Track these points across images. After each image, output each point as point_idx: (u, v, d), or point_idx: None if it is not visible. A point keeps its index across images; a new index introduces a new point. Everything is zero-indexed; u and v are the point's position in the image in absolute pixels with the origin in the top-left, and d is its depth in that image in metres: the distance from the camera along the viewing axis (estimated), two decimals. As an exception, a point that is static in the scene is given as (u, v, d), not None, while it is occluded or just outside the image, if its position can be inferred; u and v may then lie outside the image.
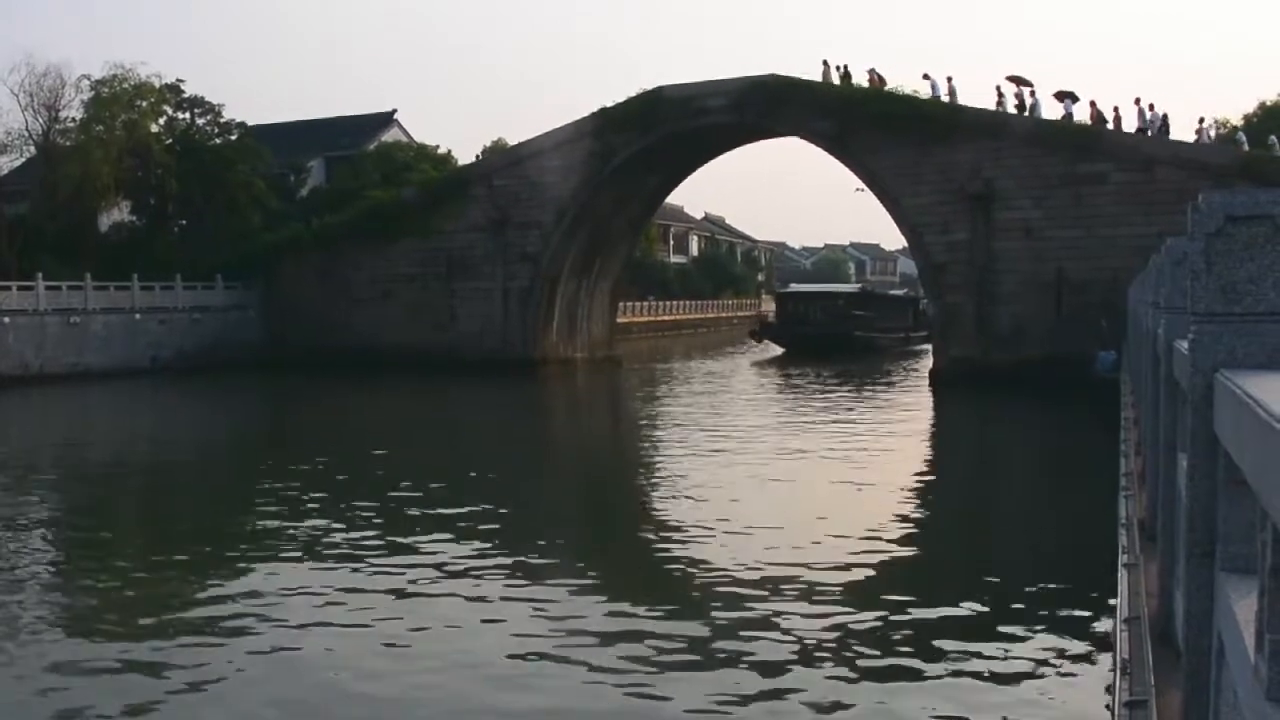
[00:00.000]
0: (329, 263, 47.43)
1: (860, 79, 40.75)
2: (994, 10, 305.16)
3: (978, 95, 38.39)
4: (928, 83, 39.23)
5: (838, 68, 41.23)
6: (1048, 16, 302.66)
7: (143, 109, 50.22)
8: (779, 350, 56.83)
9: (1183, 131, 36.46)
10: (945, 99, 38.78)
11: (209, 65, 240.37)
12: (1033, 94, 38.27)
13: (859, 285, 78.14)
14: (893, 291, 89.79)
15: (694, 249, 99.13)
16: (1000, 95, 38.45)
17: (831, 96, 39.52)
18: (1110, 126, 36.52)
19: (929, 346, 59.12)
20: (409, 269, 46.32)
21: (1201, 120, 36.56)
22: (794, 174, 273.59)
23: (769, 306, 74.62)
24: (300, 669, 9.24)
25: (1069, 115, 37.16)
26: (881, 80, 40.44)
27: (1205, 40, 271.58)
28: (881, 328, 59.81)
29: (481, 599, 11.24)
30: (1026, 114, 37.36)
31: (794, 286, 73.51)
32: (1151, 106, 36.92)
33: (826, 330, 55.46)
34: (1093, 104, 37.39)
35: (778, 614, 10.55)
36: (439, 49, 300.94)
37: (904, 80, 42.00)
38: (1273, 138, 36.72)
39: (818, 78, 40.81)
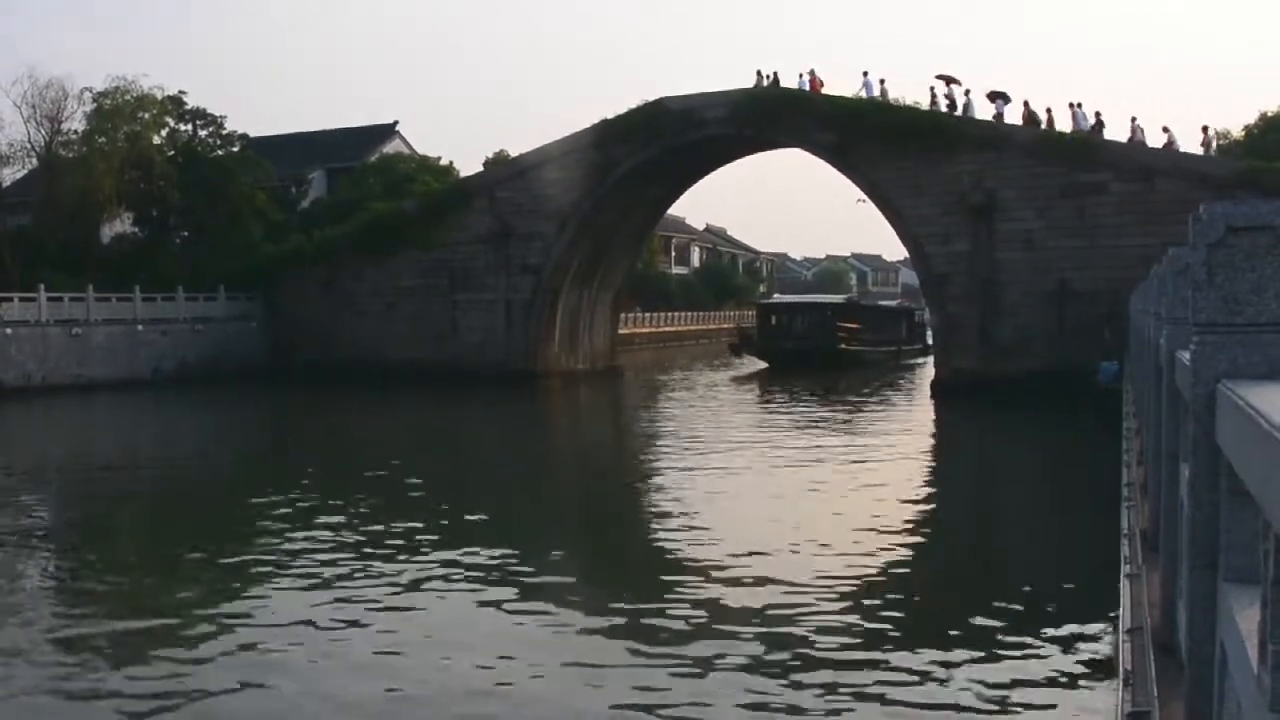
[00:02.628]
0: (331, 275, 47.47)
1: (790, 82, 41.67)
2: (996, 21, 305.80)
3: (913, 95, 39.39)
4: (863, 81, 40.36)
5: (767, 76, 42.13)
6: (1048, 29, 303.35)
7: (145, 121, 50.30)
8: (763, 365, 54.26)
9: (1121, 133, 36.90)
10: (877, 98, 39.69)
11: (211, 77, 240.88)
12: (966, 94, 39.02)
13: (846, 296, 72.79)
14: (884, 302, 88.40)
15: (696, 260, 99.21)
16: (933, 95, 39.11)
17: (832, 108, 39.59)
18: (1044, 127, 37.08)
19: (926, 360, 58.54)
20: (411, 281, 46.34)
21: (1134, 119, 36.72)
22: (796, 185, 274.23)
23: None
24: (299, 680, 9.23)
25: (1000, 116, 37.78)
26: (820, 83, 41.28)
27: (1206, 51, 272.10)
28: (871, 341, 57.20)
29: (482, 611, 11.24)
30: (959, 113, 38.22)
31: (776, 297, 69.53)
32: (1080, 105, 37.40)
33: (809, 344, 52.76)
34: (1026, 104, 38.04)
35: (777, 623, 10.54)
36: (441, 61, 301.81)
37: (847, 85, 42.16)
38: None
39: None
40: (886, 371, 52.77)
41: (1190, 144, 36.27)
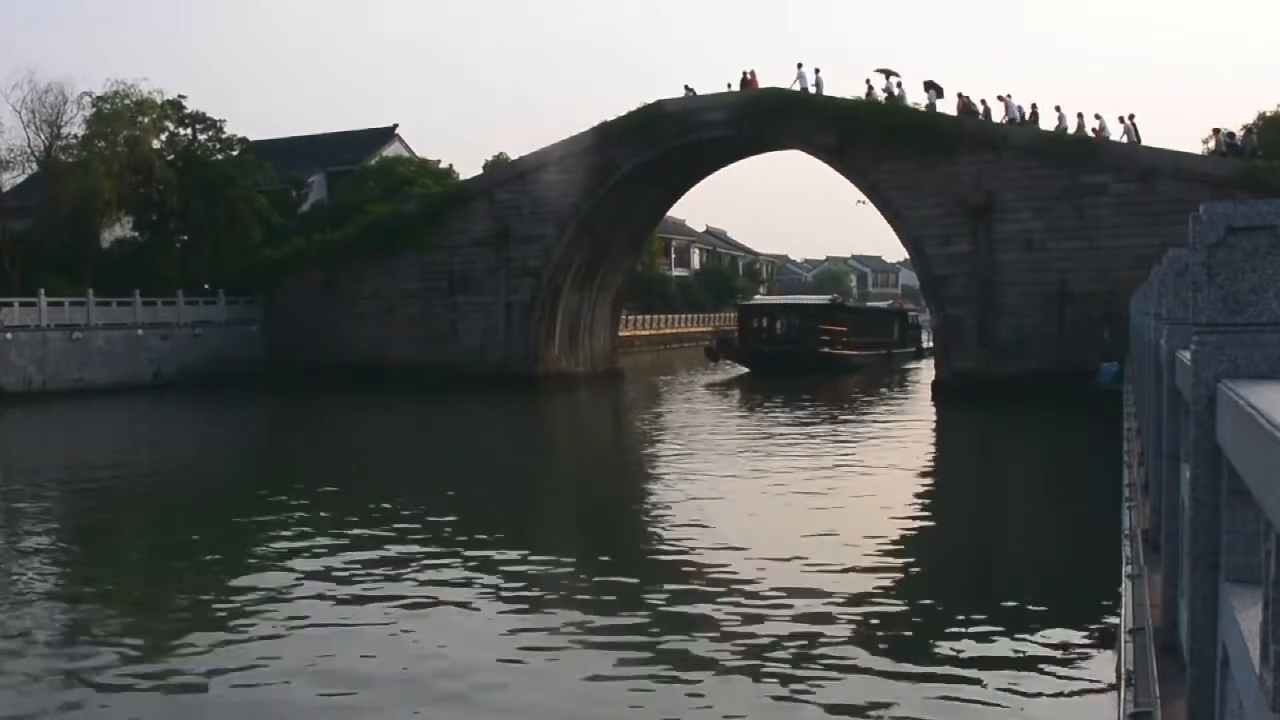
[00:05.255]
0: (331, 278, 47.46)
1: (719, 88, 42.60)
2: (996, 22, 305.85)
3: (846, 86, 40.47)
4: (800, 72, 41.18)
5: (688, 88, 43.23)
6: (1048, 29, 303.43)
7: (144, 125, 50.27)
8: (743, 370, 52.22)
9: (1051, 122, 37.37)
10: (812, 90, 40.48)
11: (211, 81, 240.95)
12: (899, 85, 39.97)
13: (831, 296, 68.33)
14: (873, 304, 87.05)
15: (696, 262, 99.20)
16: (870, 86, 40.06)
17: (831, 110, 39.64)
18: (980, 117, 37.89)
19: (920, 364, 57.81)
20: (411, 284, 46.34)
21: (1058, 108, 37.35)
22: (796, 187, 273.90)
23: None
24: (297, 680, 9.23)
25: (932, 105, 38.82)
26: (756, 82, 42.29)
27: (1206, 52, 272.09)
28: (856, 344, 55.03)
29: (476, 610, 11.23)
30: (896, 102, 39.43)
31: (757, 299, 66.84)
32: (1010, 97, 38.17)
33: (790, 348, 50.91)
34: (960, 95, 38.91)
35: (778, 624, 10.54)
36: (440, 64, 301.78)
37: (781, 79, 42.34)
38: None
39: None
40: (874, 376, 50.58)
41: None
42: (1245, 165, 33.35)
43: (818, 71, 40.70)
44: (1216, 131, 36.04)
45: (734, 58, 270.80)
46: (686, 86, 43.13)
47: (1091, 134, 36.15)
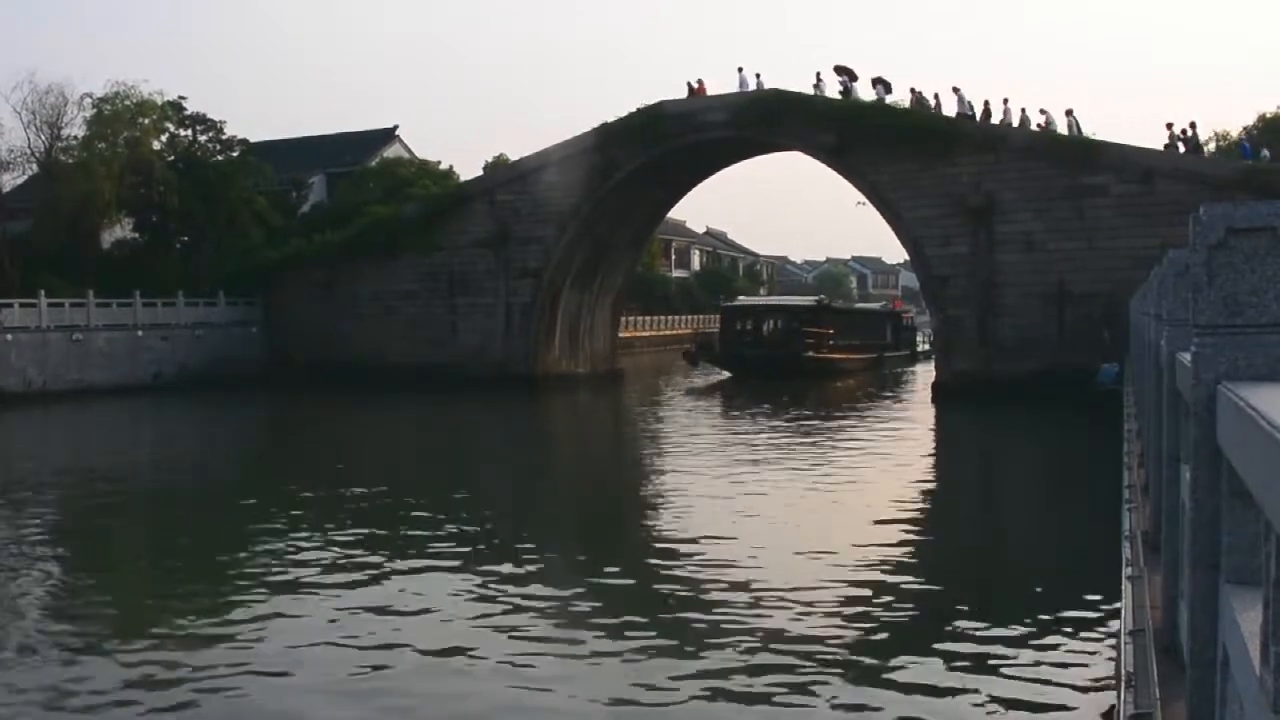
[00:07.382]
0: (331, 279, 47.47)
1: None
2: (996, 22, 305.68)
3: (795, 84, 41.00)
4: (740, 75, 42.22)
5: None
6: (1048, 29, 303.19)
7: (145, 126, 50.30)
8: (726, 374, 50.27)
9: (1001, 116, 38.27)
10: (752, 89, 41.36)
11: (211, 82, 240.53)
12: (853, 80, 40.84)
13: (817, 298, 64.12)
14: (864, 305, 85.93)
15: (696, 263, 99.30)
16: (819, 81, 40.82)
17: (831, 111, 39.70)
18: (933, 111, 38.57)
19: (914, 368, 57.26)
20: (410, 285, 46.36)
21: (1005, 100, 38.48)
22: (796, 188, 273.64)
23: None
24: (296, 689, 9.23)
25: (881, 99, 39.69)
26: (704, 89, 43.11)
27: (1205, 53, 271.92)
28: (844, 347, 52.81)
29: (480, 616, 11.24)
30: (850, 97, 40.38)
31: (740, 300, 64.86)
32: (958, 89, 38.79)
33: (774, 352, 49.09)
34: (912, 90, 39.64)
35: (779, 626, 10.54)
36: (440, 64, 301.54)
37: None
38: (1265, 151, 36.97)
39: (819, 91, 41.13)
40: (859, 382, 48.51)
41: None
42: (1246, 167, 33.38)
43: (759, 76, 41.54)
44: (1170, 126, 36.23)
45: (734, 58, 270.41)
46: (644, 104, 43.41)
47: (1037, 129, 36.72)
